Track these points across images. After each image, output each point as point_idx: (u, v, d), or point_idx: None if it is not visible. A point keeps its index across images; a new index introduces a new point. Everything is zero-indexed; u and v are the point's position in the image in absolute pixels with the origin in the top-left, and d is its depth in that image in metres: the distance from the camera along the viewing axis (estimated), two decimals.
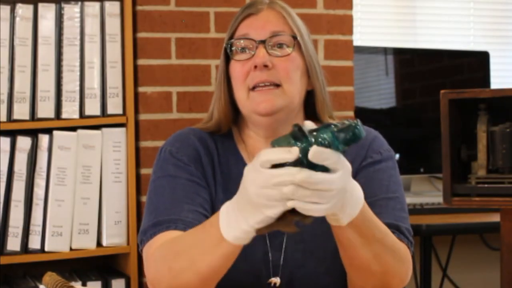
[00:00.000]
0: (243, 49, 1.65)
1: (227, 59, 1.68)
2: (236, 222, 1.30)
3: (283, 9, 1.67)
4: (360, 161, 1.65)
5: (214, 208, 1.61)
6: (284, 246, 1.60)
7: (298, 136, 1.24)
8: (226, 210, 1.34)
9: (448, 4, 3.68)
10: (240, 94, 1.64)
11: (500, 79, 3.62)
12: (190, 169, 1.63)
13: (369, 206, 1.43)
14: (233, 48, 1.65)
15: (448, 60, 3.43)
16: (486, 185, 1.94)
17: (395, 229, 1.56)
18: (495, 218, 2.17)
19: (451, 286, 3.42)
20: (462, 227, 2.86)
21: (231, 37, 1.67)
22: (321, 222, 1.59)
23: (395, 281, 1.50)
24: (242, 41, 1.65)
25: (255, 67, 1.61)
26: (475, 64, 3.45)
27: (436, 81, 3.38)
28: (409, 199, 3.09)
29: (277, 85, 1.62)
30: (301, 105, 1.69)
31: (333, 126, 1.24)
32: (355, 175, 1.58)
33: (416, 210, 2.95)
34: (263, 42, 1.62)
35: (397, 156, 3.31)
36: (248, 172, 1.28)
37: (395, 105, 3.39)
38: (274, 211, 1.26)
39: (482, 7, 3.73)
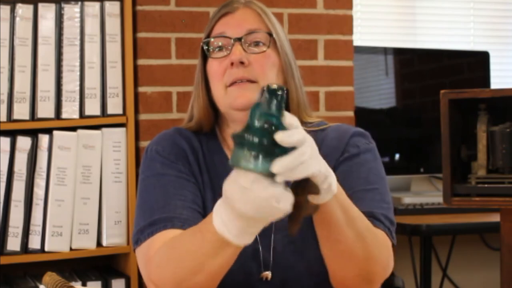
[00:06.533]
0: (220, 48, 1.66)
1: (205, 58, 1.69)
2: (234, 228, 1.30)
3: (259, 8, 1.69)
4: (338, 156, 1.64)
5: (204, 206, 1.61)
6: (272, 247, 1.60)
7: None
8: (220, 216, 1.31)
9: (448, 4, 3.67)
10: (218, 91, 1.65)
11: (500, 79, 3.62)
12: (178, 166, 1.63)
13: None
14: (210, 47, 1.67)
15: (448, 60, 3.43)
16: (486, 185, 1.94)
17: (369, 216, 1.53)
18: (495, 218, 2.16)
19: (451, 286, 3.42)
20: (462, 227, 2.86)
21: (208, 35, 1.69)
22: (310, 227, 1.56)
23: (378, 268, 1.49)
24: (218, 39, 1.66)
25: (232, 64, 1.62)
26: (475, 64, 3.45)
27: (436, 81, 3.38)
28: (409, 199, 3.09)
29: (254, 82, 1.62)
30: None
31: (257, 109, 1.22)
32: (333, 170, 1.59)
33: (416, 210, 2.94)
34: (239, 39, 1.63)
35: (397, 156, 3.31)
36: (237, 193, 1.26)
37: (395, 105, 3.39)
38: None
39: (482, 7, 3.73)
